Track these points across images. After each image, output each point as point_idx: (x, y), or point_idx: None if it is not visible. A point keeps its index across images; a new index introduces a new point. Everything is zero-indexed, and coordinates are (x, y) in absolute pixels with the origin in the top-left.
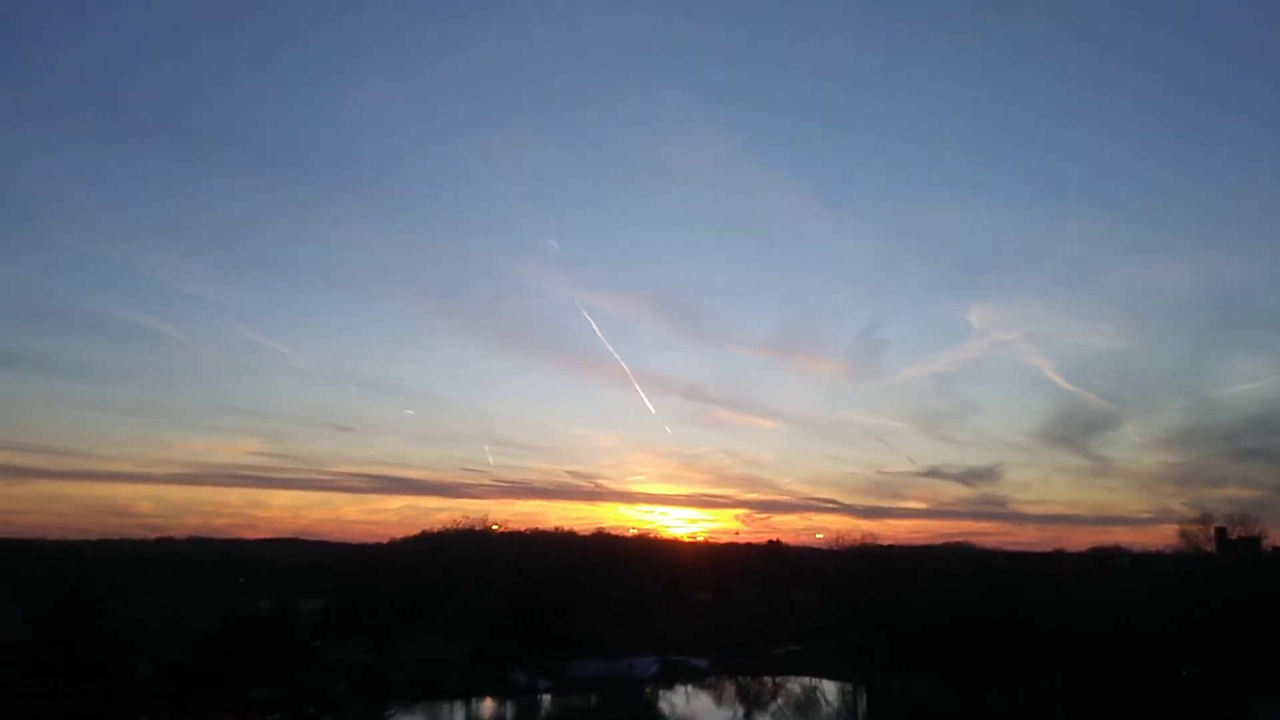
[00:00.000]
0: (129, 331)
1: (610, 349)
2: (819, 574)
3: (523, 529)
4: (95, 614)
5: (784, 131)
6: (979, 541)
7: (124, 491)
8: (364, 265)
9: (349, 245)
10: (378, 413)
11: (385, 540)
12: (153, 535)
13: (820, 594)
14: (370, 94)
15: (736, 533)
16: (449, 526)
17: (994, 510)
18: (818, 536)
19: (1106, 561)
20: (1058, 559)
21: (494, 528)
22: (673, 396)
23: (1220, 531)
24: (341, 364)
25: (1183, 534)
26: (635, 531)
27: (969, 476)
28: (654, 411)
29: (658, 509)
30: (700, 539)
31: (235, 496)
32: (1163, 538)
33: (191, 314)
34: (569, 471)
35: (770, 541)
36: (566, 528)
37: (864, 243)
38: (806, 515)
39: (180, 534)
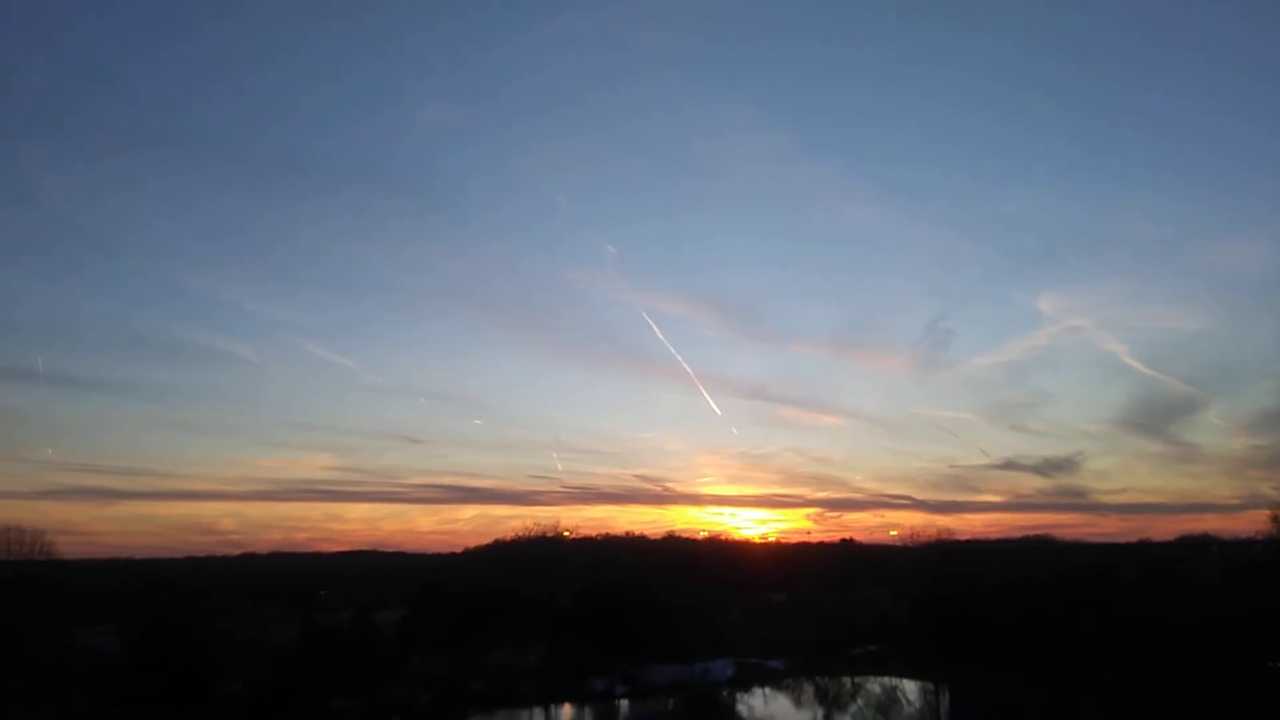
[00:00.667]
0: (206, 355)
1: (673, 352)
2: (895, 572)
3: (594, 534)
4: (186, 632)
5: (839, 123)
6: (1059, 534)
7: (207, 509)
8: (430, 283)
9: (414, 264)
10: (447, 424)
11: (459, 550)
12: (236, 551)
13: (897, 592)
14: (431, 116)
15: (809, 532)
16: (521, 534)
17: (1074, 501)
18: (892, 533)
19: (1195, 550)
20: (1143, 549)
21: (565, 534)
22: (738, 397)
23: None
24: (410, 378)
25: (1274, 519)
26: (706, 534)
27: (1046, 467)
28: (719, 413)
29: (727, 510)
30: (772, 539)
31: (313, 511)
32: (1253, 524)
33: (264, 335)
34: (637, 476)
35: (843, 540)
36: (637, 532)
37: (926, 232)
38: (879, 512)
39: (262, 549)
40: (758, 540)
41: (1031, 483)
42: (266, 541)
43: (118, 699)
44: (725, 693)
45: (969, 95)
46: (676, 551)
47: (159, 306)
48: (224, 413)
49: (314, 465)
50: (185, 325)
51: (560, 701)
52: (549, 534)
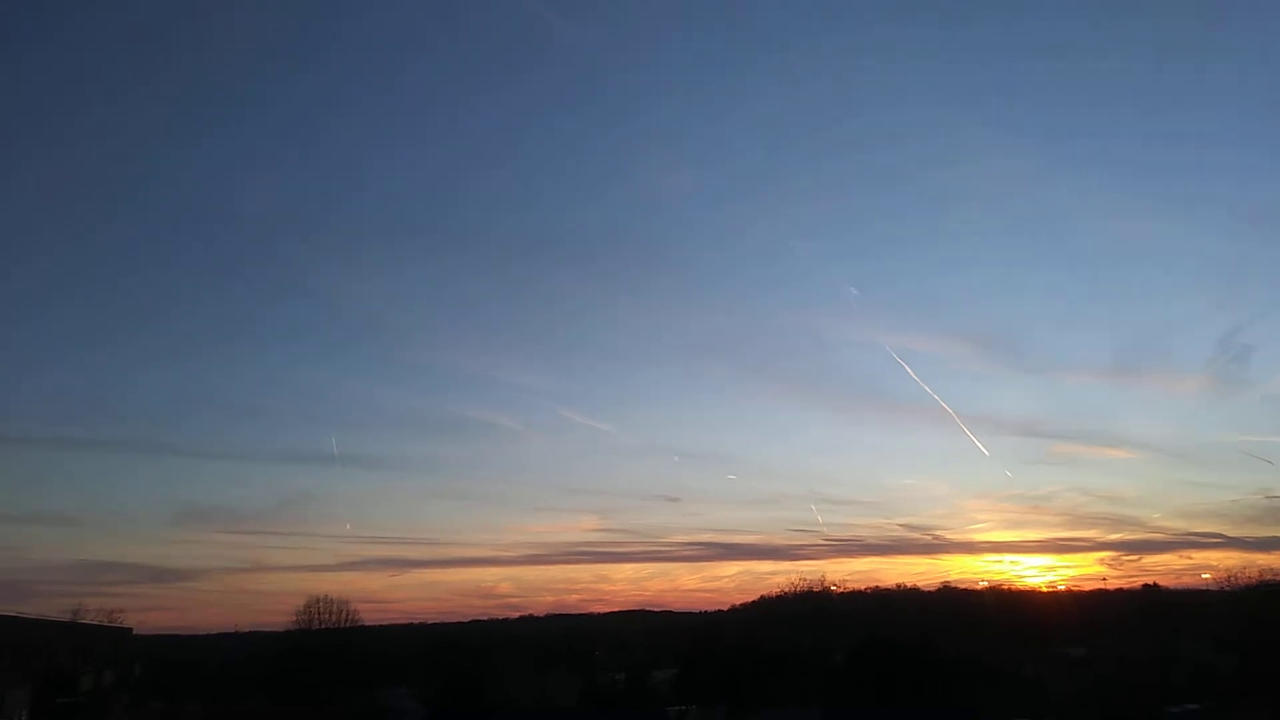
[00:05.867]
0: (474, 428)
1: (930, 392)
2: (1210, 619)
3: (862, 588)
4: (479, 693)
5: (1092, 137)
6: None
7: (486, 574)
8: (676, 343)
9: (659, 325)
10: (702, 481)
11: (726, 607)
12: (515, 614)
13: (1216, 642)
14: (665, 184)
15: (1104, 578)
16: (786, 590)
17: None
18: (1204, 576)
19: None
20: None
21: (832, 588)
22: (1007, 436)
23: None
24: (662, 437)
25: None
26: (985, 584)
27: None
28: (987, 454)
29: (1007, 558)
30: (1061, 588)
31: (583, 573)
32: None
33: (526, 406)
34: (902, 525)
35: (1145, 585)
36: (909, 584)
37: (1208, 236)
38: (1186, 554)
39: (539, 611)
40: (1045, 589)
41: None
42: (542, 604)
43: None
44: None
45: (1232, 88)
46: (954, 603)
47: (426, 384)
48: (495, 482)
49: (581, 528)
50: (453, 401)
51: None
52: (815, 589)
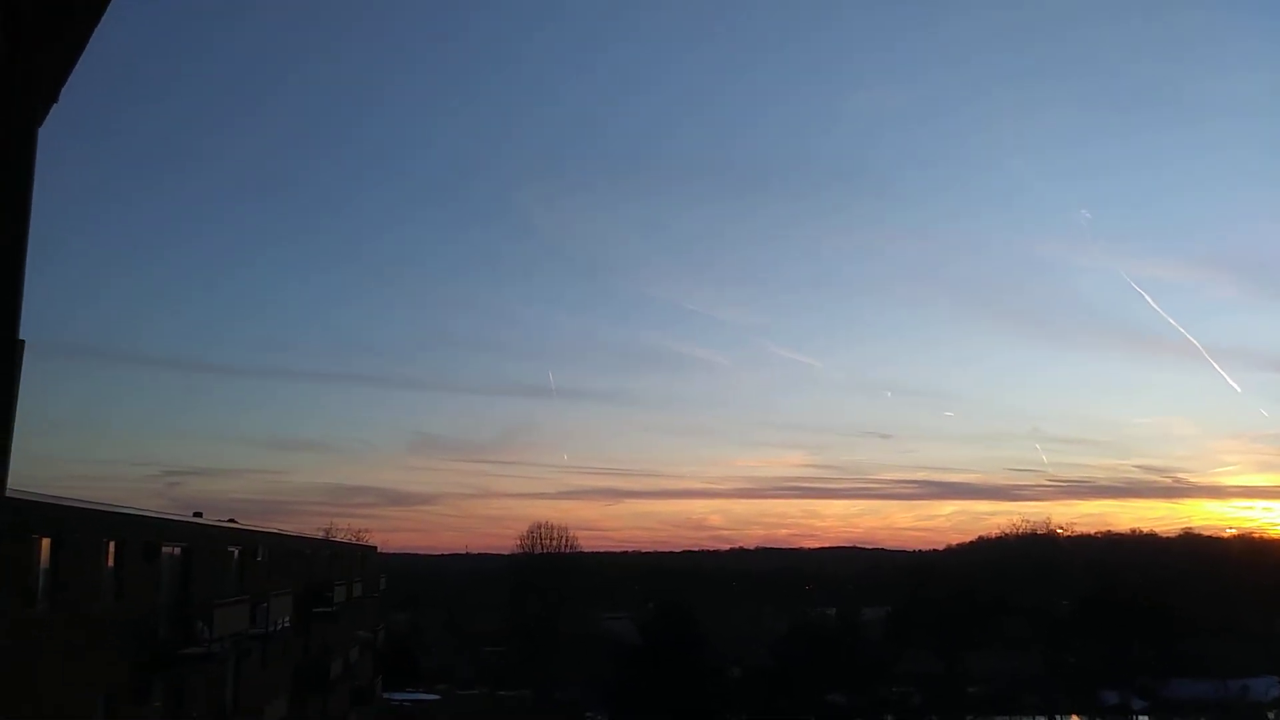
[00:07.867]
0: (686, 363)
1: (1173, 324)
2: None
3: (1091, 532)
4: (691, 621)
5: None
6: None
7: (697, 506)
8: (878, 271)
9: (861, 253)
10: (915, 417)
11: (941, 547)
12: (725, 546)
13: None
14: (873, 104)
15: None
16: (1007, 532)
17: None
18: None
19: None
20: None
21: (1058, 532)
22: (1264, 371)
23: None
24: (871, 371)
25: None
26: (1233, 532)
27: None
28: (1239, 391)
29: (1259, 504)
30: None
31: (792, 507)
32: None
33: (734, 340)
34: (1138, 466)
35: None
36: (1145, 529)
37: None
38: None
39: (749, 544)
40: None
41: None
42: (752, 537)
43: (636, 675)
44: (1271, 715)
45: None
46: (1196, 551)
47: (640, 320)
48: (705, 415)
49: (789, 463)
50: (666, 336)
51: (1067, 713)
52: (1039, 531)
